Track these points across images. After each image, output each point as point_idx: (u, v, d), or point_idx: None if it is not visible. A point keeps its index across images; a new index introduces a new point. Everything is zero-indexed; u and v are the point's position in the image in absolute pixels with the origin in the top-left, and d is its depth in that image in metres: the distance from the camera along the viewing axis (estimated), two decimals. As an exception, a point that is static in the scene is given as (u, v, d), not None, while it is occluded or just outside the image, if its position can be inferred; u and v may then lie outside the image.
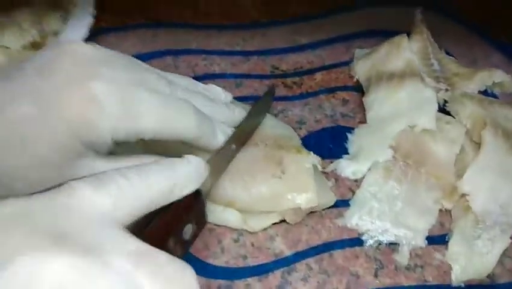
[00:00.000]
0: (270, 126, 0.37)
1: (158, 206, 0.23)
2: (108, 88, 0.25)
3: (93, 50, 0.26)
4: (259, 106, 0.37)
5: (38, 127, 0.24)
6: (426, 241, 0.33)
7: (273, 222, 0.34)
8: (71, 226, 0.19)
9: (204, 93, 0.33)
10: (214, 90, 0.35)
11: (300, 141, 0.36)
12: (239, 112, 0.35)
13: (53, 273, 0.16)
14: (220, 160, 0.31)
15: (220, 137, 0.31)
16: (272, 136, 0.35)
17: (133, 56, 0.35)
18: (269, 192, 0.33)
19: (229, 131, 0.32)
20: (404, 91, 0.39)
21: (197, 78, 0.37)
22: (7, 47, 0.41)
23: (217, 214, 0.33)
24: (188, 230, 0.25)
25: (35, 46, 0.43)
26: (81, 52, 0.26)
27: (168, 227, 0.24)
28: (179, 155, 0.28)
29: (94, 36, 0.47)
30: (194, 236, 0.26)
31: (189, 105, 0.29)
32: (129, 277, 0.17)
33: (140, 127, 0.26)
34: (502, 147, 0.36)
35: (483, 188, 0.34)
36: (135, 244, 0.19)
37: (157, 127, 0.27)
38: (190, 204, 0.25)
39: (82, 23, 0.45)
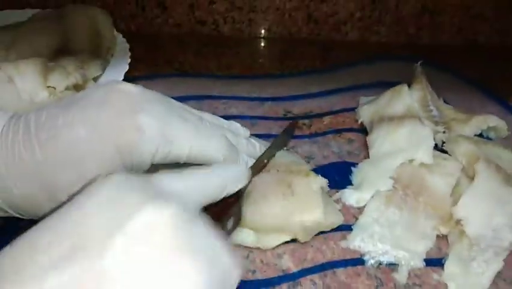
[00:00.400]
0: (282, 156, 0.41)
1: (214, 200, 0.28)
2: (150, 119, 0.30)
3: (137, 89, 0.32)
4: (279, 141, 0.42)
5: (89, 149, 0.29)
6: (424, 263, 0.35)
7: (285, 240, 0.36)
8: (165, 195, 0.23)
9: (229, 128, 0.39)
10: (235, 125, 0.41)
11: (309, 167, 0.40)
12: (259, 147, 0.40)
13: (166, 221, 0.21)
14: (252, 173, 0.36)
15: (242, 165, 0.36)
16: (284, 163, 0.39)
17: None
18: (280, 211, 0.36)
19: (250, 162, 0.38)
20: (403, 130, 0.43)
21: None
22: (54, 88, 0.47)
23: (232, 234, 0.37)
24: (230, 223, 0.31)
25: (77, 87, 0.49)
26: (128, 90, 0.31)
27: (217, 217, 0.29)
28: None
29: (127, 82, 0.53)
30: (232, 229, 0.32)
31: (220, 133, 0.34)
32: (208, 235, 0.22)
33: (175, 151, 0.31)
34: (495, 178, 0.38)
35: (477, 213, 0.36)
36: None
37: (190, 152, 0.32)
38: (233, 201, 0.32)
39: (118, 70, 0.52)
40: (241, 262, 0.24)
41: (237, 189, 0.31)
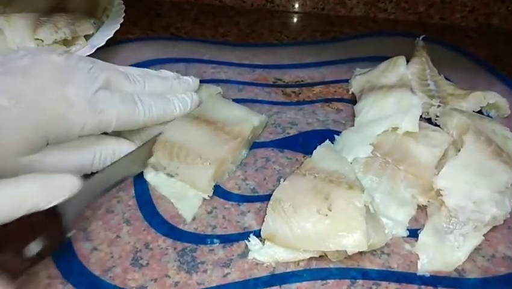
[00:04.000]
0: (325, 158, 0.36)
1: (9, 217, 0.24)
2: (78, 90, 0.31)
3: (66, 59, 0.32)
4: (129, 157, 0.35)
5: (11, 118, 0.28)
6: (408, 232, 0.33)
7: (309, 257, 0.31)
8: None
9: (158, 75, 0.39)
10: (165, 73, 0.40)
11: (355, 177, 0.33)
12: (193, 81, 0.41)
13: None
14: (89, 189, 0.30)
15: (176, 110, 0.37)
16: (324, 170, 0.34)
17: (150, 60, 0.45)
18: (312, 228, 0.30)
19: (188, 99, 0.38)
20: (392, 98, 0.41)
21: (204, 82, 0.44)
22: (41, 40, 0.47)
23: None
24: (35, 247, 0.25)
25: (66, 43, 0.49)
26: (57, 61, 0.31)
27: (16, 238, 0.24)
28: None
29: (120, 43, 0.53)
30: (40, 256, 0.26)
31: (137, 102, 0.34)
32: None
33: (104, 121, 0.32)
34: (483, 150, 0.36)
35: (458, 184, 0.33)
36: None
37: (118, 119, 0.32)
38: (47, 220, 0.26)
39: (110, 29, 0.51)
40: None
41: (50, 206, 0.26)
